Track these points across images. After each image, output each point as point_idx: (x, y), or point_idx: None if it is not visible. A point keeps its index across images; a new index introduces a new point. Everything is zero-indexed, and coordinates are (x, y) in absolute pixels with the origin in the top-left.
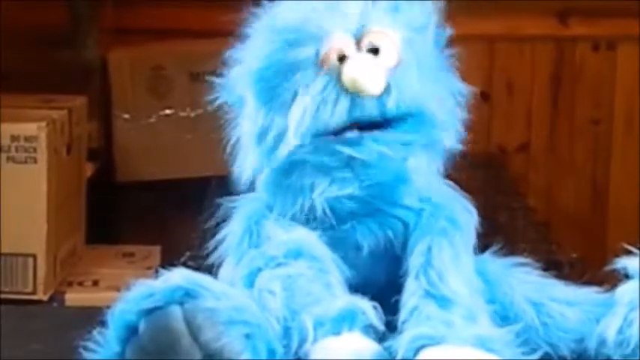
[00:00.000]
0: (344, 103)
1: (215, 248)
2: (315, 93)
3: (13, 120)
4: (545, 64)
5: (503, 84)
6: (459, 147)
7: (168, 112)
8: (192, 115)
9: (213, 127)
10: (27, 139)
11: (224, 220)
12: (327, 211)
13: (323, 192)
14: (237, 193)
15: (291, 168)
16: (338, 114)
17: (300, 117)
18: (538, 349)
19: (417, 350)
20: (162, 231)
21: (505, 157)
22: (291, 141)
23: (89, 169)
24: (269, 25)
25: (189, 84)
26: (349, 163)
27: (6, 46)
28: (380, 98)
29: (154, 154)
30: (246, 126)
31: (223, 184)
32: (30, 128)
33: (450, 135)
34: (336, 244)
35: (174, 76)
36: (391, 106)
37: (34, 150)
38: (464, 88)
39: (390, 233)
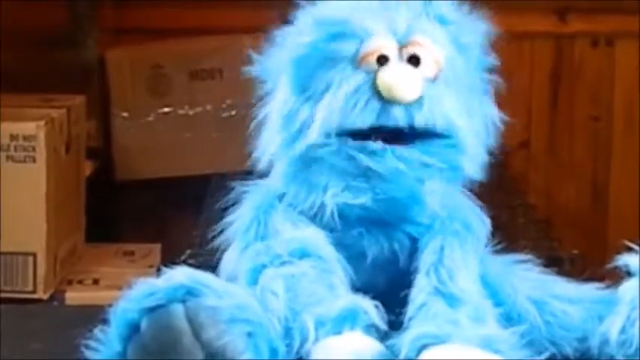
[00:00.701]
0: (374, 106)
1: (222, 231)
2: (349, 91)
3: (12, 119)
4: (544, 61)
5: (502, 81)
6: (480, 176)
7: (167, 110)
8: (191, 113)
9: (212, 126)
10: (26, 138)
11: (234, 205)
12: (336, 215)
13: (335, 196)
14: (250, 178)
15: (310, 162)
16: (366, 116)
17: (329, 113)
18: (543, 351)
19: (420, 349)
20: (162, 229)
21: (505, 154)
22: (313, 135)
23: (88, 168)
24: (316, 15)
25: (188, 82)
26: (366, 173)
27: (5, 45)
28: (410, 109)
29: (153, 152)
30: (274, 106)
31: (223, 182)
32: (29, 127)
33: (473, 163)
34: (341, 247)
35: (173, 75)
36: (420, 119)
37: (33, 149)
38: (498, 116)
39: (396, 246)
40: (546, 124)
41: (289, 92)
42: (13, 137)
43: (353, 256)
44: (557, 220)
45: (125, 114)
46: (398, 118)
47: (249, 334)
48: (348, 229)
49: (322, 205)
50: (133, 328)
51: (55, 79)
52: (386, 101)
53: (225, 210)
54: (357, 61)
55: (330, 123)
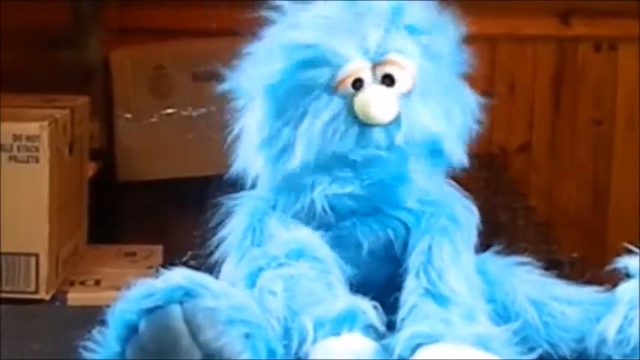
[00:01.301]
0: (353, 133)
1: (217, 245)
2: (327, 119)
3: (15, 119)
4: (547, 64)
5: (505, 84)
6: (464, 162)
7: (170, 111)
8: (194, 114)
9: (215, 127)
10: (29, 138)
11: (226, 218)
12: (327, 209)
13: (323, 190)
14: (239, 191)
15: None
16: (345, 143)
17: (308, 141)
18: (536, 347)
19: (414, 348)
20: (164, 230)
21: (506, 157)
22: (296, 162)
23: (91, 169)
24: (287, 38)
25: (190, 83)
26: (350, 163)
27: (8, 46)
28: (389, 130)
29: (156, 153)
30: (252, 124)
31: (225, 184)
32: (32, 128)
33: (458, 151)
34: (337, 242)
35: (176, 76)
36: (399, 140)
37: (36, 149)
38: (475, 100)
39: (390, 233)
40: (548, 127)
41: (265, 115)
42: (16, 137)
43: (350, 249)
44: (558, 222)
45: (128, 115)
46: (378, 139)
47: (247, 336)
48: (340, 221)
49: (312, 203)
50: (131, 329)
51: (58, 80)
52: (364, 124)
53: (218, 225)
54: (332, 88)
55: (311, 150)
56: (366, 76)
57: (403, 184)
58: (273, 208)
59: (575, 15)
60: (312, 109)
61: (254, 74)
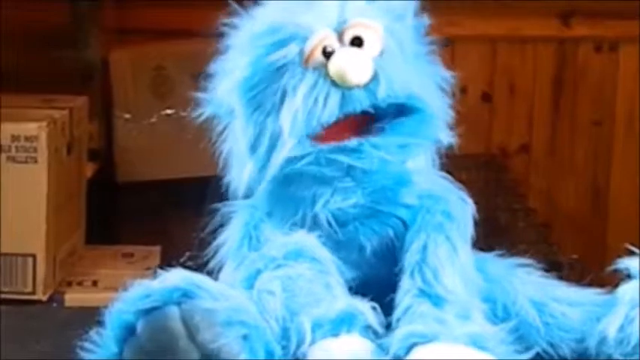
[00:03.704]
0: (335, 97)
1: (214, 253)
2: (305, 91)
3: (13, 120)
4: (547, 65)
5: (505, 85)
6: (453, 141)
7: (169, 112)
8: (193, 115)
9: (210, 129)
10: (27, 138)
11: (222, 225)
12: (332, 222)
13: (326, 203)
14: (235, 197)
15: (290, 179)
16: (330, 109)
17: (293, 117)
18: (533, 346)
19: (409, 348)
20: (163, 231)
21: (506, 158)
22: (288, 142)
23: (90, 170)
24: (249, 31)
25: (190, 84)
26: (350, 171)
27: (7, 46)
28: (369, 88)
29: (155, 154)
30: (237, 138)
31: (223, 185)
32: (30, 128)
33: (442, 127)
34: (338, 245)
35: (176, 76)
36: (381, 94)
37: (35, 150)
38: (448, 76)
39: (391, 232)
40: (548, 128)
41: (246, 117)
42: (14, 138)
43: (353, 252)
44: (558, 223)
45: (127, 115)
46: (361, 100)
47: (245, 337)
48: (343, 227)
49: (314, 217)
50: (129, 330)
51: (57, 80)
52: (344, 89)
53: (214, 232)
54: (303, 62)
55: (298, 127)
56: (334, 43)
57: (404, 186)
58: (269, 215)
59: (575, 16)
60: (289, 87)
61: (227, 82)
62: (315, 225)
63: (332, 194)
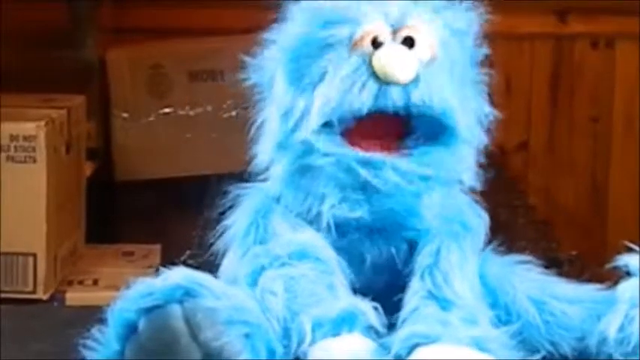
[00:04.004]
0: (371, 88)
1: (220, 235)
2: (345, 74)
3: (12, 119)
4: (544, 62)
5: (502, 82)
6: (478, 185)
7: (167, 110)
8: (192, 113)
9: (212, 126)
10: (26, 138)
11: (232, 207)
12: (332, 226)
13: (332, 207)
14: (249, 181)
15: (307, 169)
16: (364, 98)
17: (327, 97)
18: (537, 348)
19: (412, 348)
20: (162, 230)
21: (504, 155)
22: (313, 122)
23: (88, 169)
24: (308, 5)
25: (188, 83)
26: (364, 186)
27: (5, 45)
28: (407, 89)
29: (153, 153)
30: (271, 108)
31: (223, 183)
32: (29, 128)
33: (469, 165)
34: (340, 251)
35: (174, 75)
36: (417, 99)
37: (34, 149)
38: (490, 112)
39: (393, 250)
40: (546, 125)
41: (285, 85)
42: (13, 137)
43: (352, 260)
44: (557, 220)
45: (125, 114)
46: (395, 98)
47: (247, 336)
48: (345, 234)
49: (319, 214)
50: (131, 328)
51: (55, 80)
52: (383, 82)
53: (222, 213)
54: (351, 46)
55: (329, 108)
56: (386, 37)
57: (413, 216)
58: (278, 201)
59: (572, 12)
60: (330, 67)
61: (274, 52)
62: (317, 222)
63: (340, 201)
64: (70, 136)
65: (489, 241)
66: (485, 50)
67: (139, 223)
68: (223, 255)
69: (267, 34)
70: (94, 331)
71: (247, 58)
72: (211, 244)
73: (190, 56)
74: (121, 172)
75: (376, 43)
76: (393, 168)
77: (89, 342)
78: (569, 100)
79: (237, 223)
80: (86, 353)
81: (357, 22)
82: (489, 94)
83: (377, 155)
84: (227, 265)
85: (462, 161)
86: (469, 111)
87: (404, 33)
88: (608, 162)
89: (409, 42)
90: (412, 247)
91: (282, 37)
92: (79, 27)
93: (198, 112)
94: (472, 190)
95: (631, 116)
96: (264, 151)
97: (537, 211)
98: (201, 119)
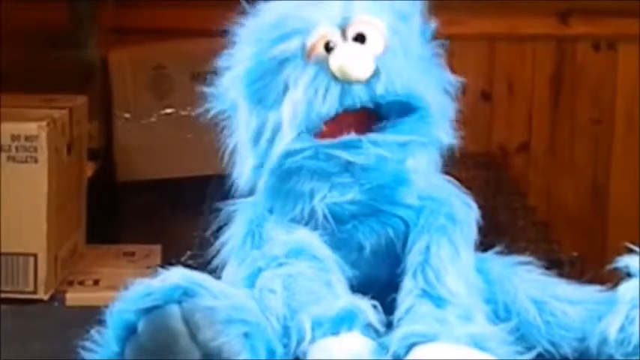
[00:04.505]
0: (334, 91)
1: (217, 252)
2: (306, 84)
3: (13, 119)
4: (546, 63)
5: (504, 83)
6: (456, 142)
7: (169, 111)
8: (193, 114)
9: (214, 127)
10: (27, 138)
11: (225, 224)
12: (329, 216)
13: (324, 198)
14: (238, 196)
15: (290, 174)
16: (329, 102)
17: (293, 109)
18: (535, 345)
19: (409, 348)
20: (163, 230)
21: (505, 156)
22: (287, 135)
23: (90, 169)
24: (253, 26)
25: (190, 83)
26: (348, 167)
27: (6, 45)
28: (369, 84)
29: (155, 153)
30: (240, 132)
31: (224, 184)
32: (30, 128)
33: (445, 129)
34: (338, 244)
35: (175, 76)
36: (381, 90)
37: (35, 149)
38: (453, 79)
39: (390, 232)
40: (547, 126)
41: (249, 108)
42: (14, 137)
43: (352, 250)
44: (558, 221)
45: (127, 115)
46: (360, 95)
47: (246, 335)
48: (341, 224)
49: (312, 211)
50: (130, 329)
51: (56, 80)
52: (344, 83)
53: (217, 231)
54: (305, 56)
55: (298, 120)
56: (337, 38)
57: (403, 185)
58: (271, 212)
59: (574, 14)
60: (290, 80)
61: (231, 76)
62: (312, 220)
63: (330, 189)
64: (71, 137)
65: (490, 243)
66: (432, 23)
67: (139, 224)
68: (222, 269)
69: (219, 62)
70: (94, 332)
71: (205, 90)
72: (210, 261)
73: (192, 57)
74: (123, 172)
75: (329, 47)
76: (371, 142)
77: (88, 343)
78: (570, 101)
79: (232, 236)
80: (86, 354)
81: (305, 30)
82: (489, 92)
83: (352, 135)
84: (226, 276)
85: (435, 125)
86: (432, 85)
87: (353, 30)
88: (609, 163)
89: (360, 38)
90: (408, 229)
91: (235, 62)
92: (80, 27)
93: (200, 113)
94: (453, 153)
95: (632, 118)
96: (242, 176)
97: (538, 212)
98: (202, 120)
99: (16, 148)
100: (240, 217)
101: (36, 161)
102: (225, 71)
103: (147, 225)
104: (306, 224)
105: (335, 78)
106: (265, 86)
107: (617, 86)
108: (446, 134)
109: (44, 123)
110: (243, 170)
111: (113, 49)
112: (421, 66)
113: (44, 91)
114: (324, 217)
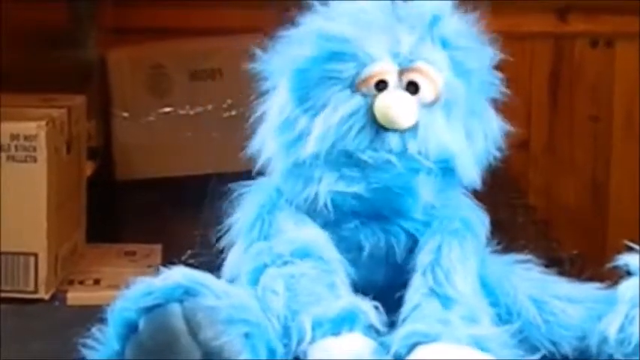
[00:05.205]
0: (368, 132)
1: (227, 231)
2: (344, 115)
3: (12, 119)
4: (544, 61)
5: (502, 81)
6: (476, 184)
7: (167, 110)
8: (192, 113)
9: (212, 126)
10: (27, 138)
11: (237, 205)
12: (329, 205)
13: (329, 185)
14: (250, 179)
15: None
16: (359, 142)
17: (324, 131)
18: (538, 347)
19: (411, 347)
20: (163, 229)
21: (504, 154)
22: (310, 149)
23: (89, 168)
24: (320, 27)
25: (188, 82)
26: (359, 163)
27: (6, 45)
28: (404, 136)
29: (154, 152)
30: (273, 106)
31: (223, 182)
32: (30, 127)
33: (471, 177)
34: (338, 242)
35: (174, 75)
36: (413, 147)
37: (34, 149)
38: (500, 129)
39: (392, 240)
40: (546, 124)
41: (288, 99)
42: (13, 137)
43: (351, 250)
44: (557, 220)
45: (125, 114)
46: (391, 145)
47: (247, 335)
48: (343, 221)
49: (317, 197)
50: (131, 328)
51: (55, 79)
52: (380, 127)
53: (227, 210)
54: (355, 85)
55: (325, 143)
56: (392, 79)
57: (409, 195)
58: (281, 193)
59: (572, 12)
60: (332, 101)
61: (285, 56)
62: (316, 208)
63: (337, 179)
64: (70, 136)
65: (489, 241)
66: (498, 80)
67: (139, 223)
68: (229, 249)
69: (279, 34)
70: (95, 331)
71: (256, 51)
72: (217, 240)
73: (191, 56)
74: (122, 171)
75: (380, 86)
76: (387, 151)
77: (89, 341)
78: (569, 99)
79: (242, 217)
80: (86, 353)
81: (365, 60)
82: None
83: None
84: (231, 258)
85: (460, 178)
86: (476, 141)
87: (410, 76)
88: (609, 161)
89: (413, 87)
90: (410, 240)
91: (292, 50)
92: (79, 26)
93: (198, 112)
94: (472, 190)
95: (631, 115)
96: (261, 147)
97: (537, 210)
98: (201, 119)
99: (16, 147)
100: (251, 199)
101: (35, 161)
102: (280, 47)
103: (147, 224)
104: (311, 213)
105: (374, 119)
106: (309, 91)
107: (616, 84)
108: (470, 181)
109: (43, 122)
110: (263, 146)
111: (112, 49)
112: (469, 122)
113: (43, 91)
114: (325, 205)
